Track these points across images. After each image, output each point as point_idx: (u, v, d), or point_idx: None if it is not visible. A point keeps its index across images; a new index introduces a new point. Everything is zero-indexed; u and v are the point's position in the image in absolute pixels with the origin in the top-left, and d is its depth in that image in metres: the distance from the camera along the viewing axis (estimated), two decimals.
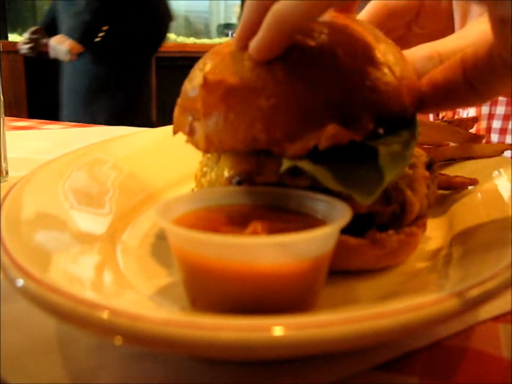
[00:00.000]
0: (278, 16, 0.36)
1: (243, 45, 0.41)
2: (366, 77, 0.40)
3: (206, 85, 0.41)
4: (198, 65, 0.45)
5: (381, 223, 0.44)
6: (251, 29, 0.39)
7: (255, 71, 0.40)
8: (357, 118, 0.39)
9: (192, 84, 0.44)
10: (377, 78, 0.40)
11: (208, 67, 0.43)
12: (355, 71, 0.40)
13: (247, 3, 0.39)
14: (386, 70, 0.41)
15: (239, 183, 0.44)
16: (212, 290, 0.35)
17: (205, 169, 0.50)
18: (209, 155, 0.50)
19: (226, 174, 0.45)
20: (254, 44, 0.39)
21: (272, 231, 0.36)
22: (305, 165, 0.38)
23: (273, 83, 0.39)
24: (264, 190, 0.42)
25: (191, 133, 0.44)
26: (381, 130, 0.40)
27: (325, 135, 0.38)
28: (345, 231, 0.36)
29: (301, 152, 0.39)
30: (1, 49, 3.47)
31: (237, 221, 0.39)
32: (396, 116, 0.41)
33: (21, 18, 4.17)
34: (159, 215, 0.36)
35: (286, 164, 0.39)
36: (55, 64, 2.71)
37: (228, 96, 0.40)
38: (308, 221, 0.39)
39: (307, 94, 0.39)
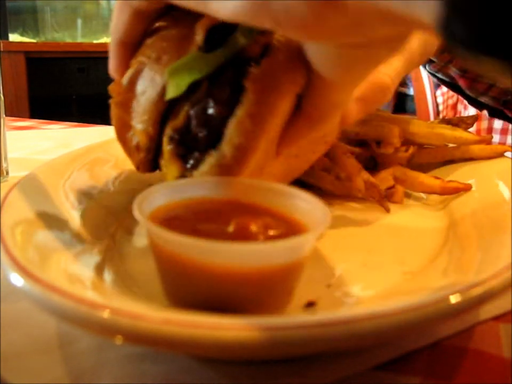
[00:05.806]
0: None
1: None
2: None
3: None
4: None
5: None
6: None
7: None
8: None
9: None
10: None
11: None
12: None
13: None
14: None
15: (175, 139, 0.42)
16: (184, 288, 0.35)
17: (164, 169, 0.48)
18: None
19: (165, 144, 0.43)
20: None
21: (252, 231, 0.35)
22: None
23: None
24: (236, 181, 0.40)
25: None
26: None
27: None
28: None
29: None
30: (1, 49, 3.46)
31: (213, 216, 0.38)
32: None
33: (21, 18, 4.17)
34: (136, 209, 0.36)
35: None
36: (56, 64, 2.70)
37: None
38: (283, 219, 0.38)
39: None
